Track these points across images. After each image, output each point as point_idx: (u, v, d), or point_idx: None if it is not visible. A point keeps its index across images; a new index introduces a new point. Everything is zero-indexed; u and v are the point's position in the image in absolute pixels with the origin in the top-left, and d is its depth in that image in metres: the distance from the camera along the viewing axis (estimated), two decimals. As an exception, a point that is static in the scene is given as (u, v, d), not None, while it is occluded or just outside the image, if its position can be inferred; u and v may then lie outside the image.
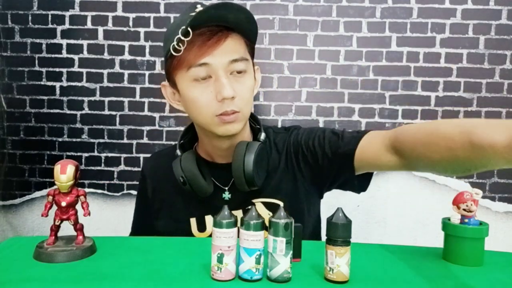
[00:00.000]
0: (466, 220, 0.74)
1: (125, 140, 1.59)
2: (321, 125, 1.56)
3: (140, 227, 1.07)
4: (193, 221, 0.96)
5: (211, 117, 0.85)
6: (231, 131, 0.86)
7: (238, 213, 0.91)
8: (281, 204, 0.93)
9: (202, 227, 0.95)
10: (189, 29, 0.80)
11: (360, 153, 0.85)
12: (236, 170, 0.86)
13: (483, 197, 1.55)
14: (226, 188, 0.95)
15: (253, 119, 0.98)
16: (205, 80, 0.84)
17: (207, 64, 0.82)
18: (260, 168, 0.88)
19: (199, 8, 0.82)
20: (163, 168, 1.00)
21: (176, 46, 0.82)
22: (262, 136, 0.92)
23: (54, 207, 0.75)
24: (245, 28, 0.86)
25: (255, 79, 0.93)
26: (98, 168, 1.59)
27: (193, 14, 0.80)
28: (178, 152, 0.93)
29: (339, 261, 0.62)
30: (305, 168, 0.94)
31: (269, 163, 0.94)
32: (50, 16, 1.56)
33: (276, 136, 1.00)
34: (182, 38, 0.80)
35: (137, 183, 1.13)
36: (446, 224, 0.75)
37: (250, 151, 0.86)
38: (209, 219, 0.95)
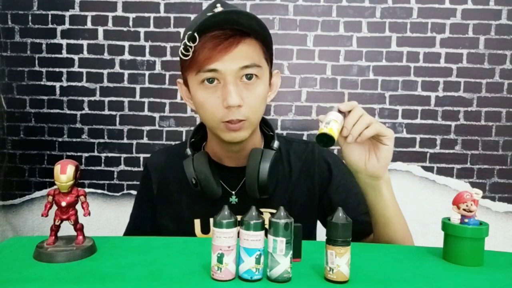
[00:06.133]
0: (466, 220, 0.74)
1: (125, 140, 1.59)
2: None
3: (140, 224, 1.04)
4: (197, 222, 0.95)
5: (217, 123, 0.84)
6: (237, 139, 0.85)
7: None
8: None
9: (206, 228, 0.95)
10: (195, 34, 0.78)
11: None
12: (250, 177, 0.85)
13: (483, 197, 1.55)
14: (233, 192, 0.94)
15: (266, 124, 0.96)
16: (213, 84, 0.82)
17: (215, 70, 0.80)
18: (273, 177, 0.87)
19: (218, 7, 0.80)
20: (169, 166, 0.99)
21: (184, 51, 0.80)
22: (276, 144, 0.89)
23: (54, 207, 0.74)
24: (259, 33, 0.83)
25: (271, 84, 0.91)
26: (98, 168, 1.59)
27: (207, 16, 0.78)
28: (188, 150, 0.91)
29: (339, 261, 0.62)
30: (318, 192, 0.97)
31: (279, 172, 0.93)
32: (50, 16, 1.56)
33: (289, 146, 0.99)
34: (188, 43, 0.79)
35: (137, 183, 1.12)
36: (446, 224, 0.75)
37: (266, 159, 0.85)
38: None
